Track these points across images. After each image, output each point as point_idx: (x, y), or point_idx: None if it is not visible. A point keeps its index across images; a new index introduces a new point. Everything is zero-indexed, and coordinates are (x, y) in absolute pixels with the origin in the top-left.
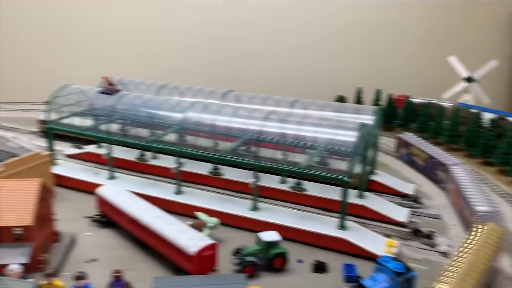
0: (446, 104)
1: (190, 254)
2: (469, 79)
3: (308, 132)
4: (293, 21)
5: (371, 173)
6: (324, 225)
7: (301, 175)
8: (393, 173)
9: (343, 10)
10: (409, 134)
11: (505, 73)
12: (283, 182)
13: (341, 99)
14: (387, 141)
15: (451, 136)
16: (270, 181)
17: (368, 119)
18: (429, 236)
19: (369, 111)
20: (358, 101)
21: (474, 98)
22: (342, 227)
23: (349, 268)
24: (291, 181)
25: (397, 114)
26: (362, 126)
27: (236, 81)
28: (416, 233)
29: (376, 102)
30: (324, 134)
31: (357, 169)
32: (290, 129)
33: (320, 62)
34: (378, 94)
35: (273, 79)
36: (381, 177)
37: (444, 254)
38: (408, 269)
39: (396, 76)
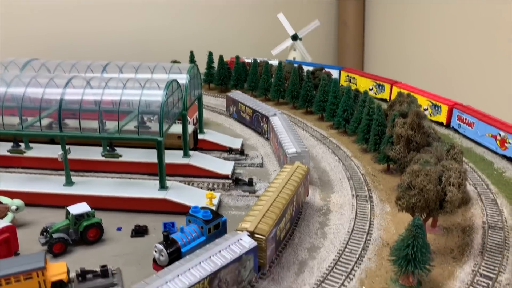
0: (272, 61)
1: None
2: (294, 37)
3: (117, 96)
4: None
5: (199, 132)
6: (145, 189)
7: (112, 140)
8: (226, 131)
9: None
10: (236, 92)
11: (329, 31)
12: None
13: (175, 63)
14: (221, 102)
15: (277, 91)
16: (93, 154)
17: (183, 77)
18: (249, 183)
19: (184, 69)
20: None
21: (300, 55)
22: (162, 187)
23: (168, 226)
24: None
25: (230, 75)
26: (169, 84)
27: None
28: (238, 182)
29: (209, 65)
30: (134, 96)
31: (176, 129)
32: (100, 95)
33: (157, 27)
34: (210, 56)
35: (113, 46)
36: (209, 135)
37: None
38: (217, 215)
39: (229, 39)
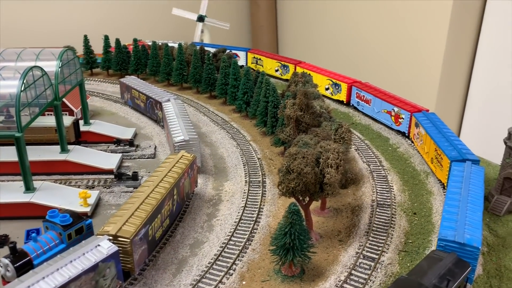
0: (173, 44)
1: None
2: (200, 19)
3: None
4: None
5: (84, 123)
6: (7, 192)
7: None
8: (120, 120)
9: None
10: (130, 77)
11: (242, 12)
12: None
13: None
14: (118, 89)
15: (180, 76)
16: None
17: (51, 65)
18: (134, 178)
19: (54, 54)
20: (87, 49)
21: (209, 36)
22: (28, 189)
23: (32, 234)
24: None
25: (129, 60)
26: (27, 72)
27: None
28: (120, 177)
29: (105, 49)
30: None
31: (50, 121)
32: None
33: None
34: (106, 40)
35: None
36: (96, 126)
37: None
38: (79, 219)
39: (129, 22)
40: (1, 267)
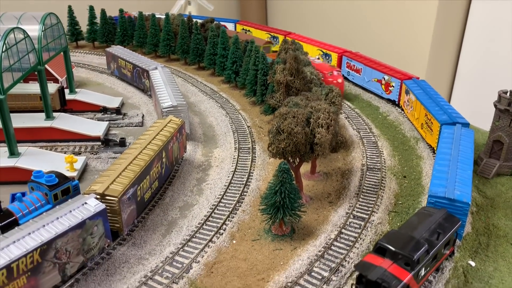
0: (160, 15)
1: None
2: None
3: None
4: None
5: (69, 92)
6: None
7: None
8: (106, 90)
9: None
10: (117, 47)
11: None
12: None
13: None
14: (104, 61)
15: (167, 47)
16: None
17: (34, 29)
18: (121, 144)
19: (36, 18)
20: (72, 21)
21: (197, 9)
22: (13, 154)
23: (17, 198)
24: None
25: (115, 31)
26: (7, 34)
27: None
28: (108, 143)
29: (91, 20)
30: None
31: (35, 89)
32: None
33: None
34: (91, 11)
35: None
36: (81, 95)
37: None
38: (65, 179)
39: None
40: None
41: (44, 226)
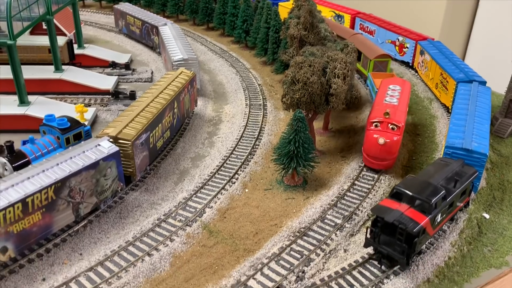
0: None
1: None
2: None
3: None
4: None
5: (78, 47)
6: (2, 105)
7: None
8: (114, 48)
9: None
10: (125, 4)
11: None
12: None
13: None
14: (112, 20)
15: (175, 6)
16: None
17: None
18: (131, 97)
19: None
20: None
21: None
22: (23, 102)
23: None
24: None
25: None
26: None
27: None
28: (117, 96)
29: None
30: None
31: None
32: None
33: None
34: None
35: None
36: (90, 50)
37: None
38: (77, 124)
39: None
40: None
41: (57, 164)
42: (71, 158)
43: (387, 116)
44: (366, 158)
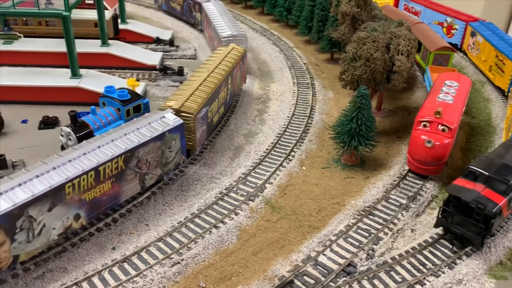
0: None
1: None
2: None
3: None
4: None
5: (120, 22)
6: (54, 77)
7: (8, 15)
8: (154, 25)
9: None
10: None
11: None
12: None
13: None
14: None
15: None
16: None
17: None
18: (179, 73)
19: None
20: None
21: None
22: (75, 75)
23: (81, 115)
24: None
25: None
26: None
27: None
28: (166, 72)
29: None
30: None
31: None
32: None
33: None
34: None
35: None
36: (133, 25)
37: None
38: (136, 96)
39: None
40: (62, 136)
41: (126, 135)
42: (138, 129)
43: (438, 116)
44: (410, 161)
